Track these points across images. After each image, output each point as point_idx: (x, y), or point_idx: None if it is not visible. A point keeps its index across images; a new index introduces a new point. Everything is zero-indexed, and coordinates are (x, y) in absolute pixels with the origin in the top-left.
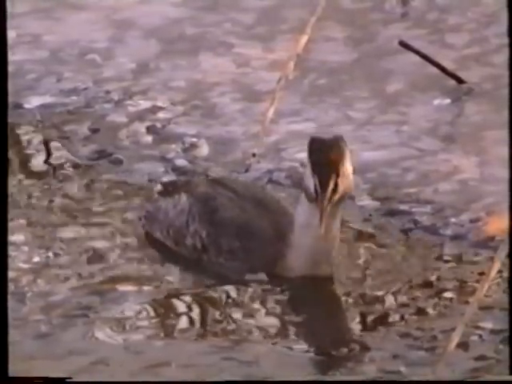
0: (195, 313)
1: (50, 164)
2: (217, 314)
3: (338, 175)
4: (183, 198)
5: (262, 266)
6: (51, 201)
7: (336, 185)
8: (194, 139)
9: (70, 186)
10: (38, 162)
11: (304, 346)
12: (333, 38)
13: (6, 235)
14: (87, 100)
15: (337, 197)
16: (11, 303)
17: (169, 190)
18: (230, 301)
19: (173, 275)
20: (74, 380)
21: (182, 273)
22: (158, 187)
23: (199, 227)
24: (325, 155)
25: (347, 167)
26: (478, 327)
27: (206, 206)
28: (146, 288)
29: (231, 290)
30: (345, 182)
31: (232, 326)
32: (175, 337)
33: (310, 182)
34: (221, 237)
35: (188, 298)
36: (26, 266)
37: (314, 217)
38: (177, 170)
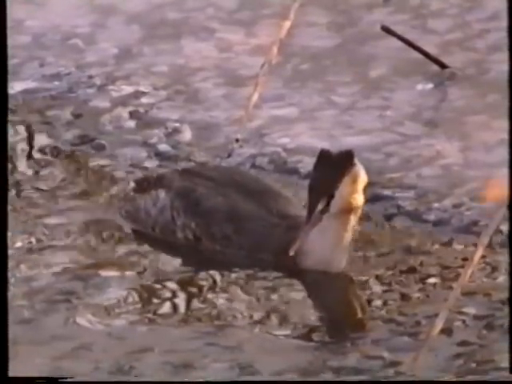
0: (179, 298)
1: (32, 149)
2: (200, 300)
3: (331, 196)
4: (161, 194)
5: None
6: (35, 187)
7: (328, 204)
8: (177, 124)
9: (53, 171)
10: (20, 147)
11: (287, 332)
12: (315, 23)
13: (6, 235)
14: (70, 85)
15: (328, 214)
16: None
17: (143, 186)
18: (214, 286)
19: (158, 261)
20: (74, 380)
21: (168, 258)
22: (132, 184)
23: (186, 220)
24: (319, 174)
25: (348, 184)
26: (461, 313)
27: (187, 198)
28: (129, 273)
29: (215, 275)
30: (343, 200)
31: (215, 312)
32: (158, 322)
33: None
34: (212, 225)
35: (172, 284)
36: (8, 251)
37: (325, 226)
38: (160, 155)
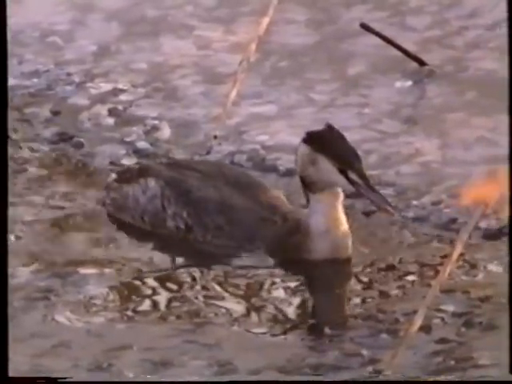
0: (158, 295)
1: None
2: (180, 297)
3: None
4: (151, 182)
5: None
6: (12, 183)
7: None
8: (156, 122)
9: (31, 168)
10: None
11: (264, 329)
12: (294, 21)
13: (6, 234)
14: (48, 82)
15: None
16: None
17: (126, 176)
18: (193, 283)
19: (138, 257)
20: (75, 380)
21: (149, 255)
22: (113, 176)
23: (178, 209)
24: (346, 145)
25: None
26: (440, 310)
27: (178, 188)
28: (108, 271)
29: (195, 271)
30: None
31: (194, 309)
32: (137, 320)
33: (337, 177)
34: (204, 215)
35: (152, 281)
36: None
37: (324, 205)
38: (138, 152)
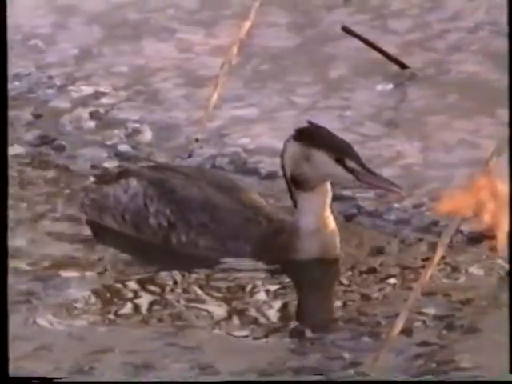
0: (139, 299)
1: None
2: (161, 300)
3: None
4: (133, 182)
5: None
6: None
7: None
8: (137, 125)
9: (12, 171)
10: None
11: (245, 332)
12: (276, 24)
13: (6, 234)
14: (30, 85)
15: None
16: None
17: (105, 179)
18: (174, 286)
19: (119, 261)
20: (76, 380)
21: (130, 258)
22: (91, 179)
23: (160, 206)
24: (336, 136)
25: None
26: (421, 313)
27: (162, 187)
28: (89, 274)
29: (176, 275)
30: None
31: (176, 312)
32: (119, 323)
33: (335, 168)
34: (187, 212)
35: (133, 284)
36: None
37: (315, 204)
38: (120, 155)
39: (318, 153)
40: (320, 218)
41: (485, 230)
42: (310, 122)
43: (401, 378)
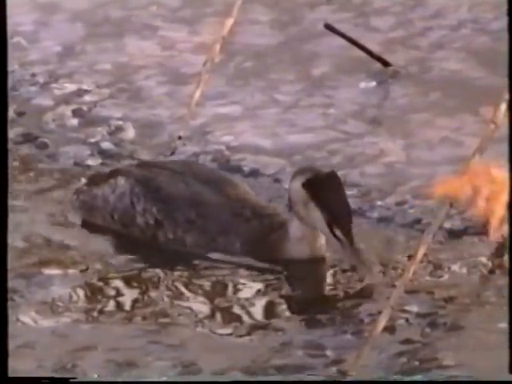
0: (123, 296)
1: None
2: (145, 297)
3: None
4: (120, 181)
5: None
6: None
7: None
8: (120, 122)
9: None
10: None
11: (229, 330)
12: (259, 21)
13: (6, 234)
14: (13, 83)
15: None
16: None
17: (96, 180)
18: (158, 284)
19: (104, 258)
20: (77, 380)
21: (116, 255)
22: (83, 180)
23: (147, 205)
24: (341, 198)
25: None
26: (404, 311)
27: (147, 185)
28: (72, 271)
29: (159, 272)
30: None
31: (159, 310)
32: (102, 320)
33: (324, 228)
34: (174, 210)
35: (117, 282)
36: None
37: (307, 234)
38: (103, 153)
39: (315, 208)
40: (310, 235)
41: (472, 223)
42: (332, 172)
43: (383, 376)
